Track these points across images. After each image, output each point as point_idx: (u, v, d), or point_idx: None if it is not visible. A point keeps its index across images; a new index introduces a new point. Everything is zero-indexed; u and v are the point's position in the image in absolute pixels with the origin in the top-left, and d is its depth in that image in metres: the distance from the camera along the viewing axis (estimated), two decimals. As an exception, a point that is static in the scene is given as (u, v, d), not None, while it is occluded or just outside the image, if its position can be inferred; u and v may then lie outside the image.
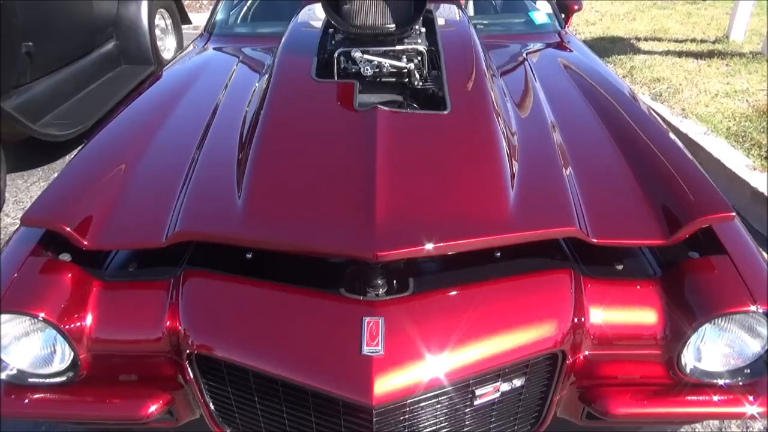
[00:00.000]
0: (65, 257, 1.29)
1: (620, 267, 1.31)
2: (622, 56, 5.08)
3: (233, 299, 1.23)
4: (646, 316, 1.24)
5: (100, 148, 1.62)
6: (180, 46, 5.35)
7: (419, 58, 1.70)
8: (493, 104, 1.57)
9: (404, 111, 1.47)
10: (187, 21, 5.51)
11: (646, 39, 5.53)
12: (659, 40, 5.47)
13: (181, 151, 1.53)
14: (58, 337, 1.21)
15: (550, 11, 2.76)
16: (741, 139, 3.45)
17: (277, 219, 1.21)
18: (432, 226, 1.16)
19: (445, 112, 1.46)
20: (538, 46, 2.50)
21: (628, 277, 1.28)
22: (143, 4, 4.72)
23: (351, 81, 1.59)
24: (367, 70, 1.65)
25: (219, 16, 2.77)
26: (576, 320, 1.21)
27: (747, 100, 3.99)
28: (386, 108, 1.45)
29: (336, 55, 1.66)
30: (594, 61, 2.37)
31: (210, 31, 2.70)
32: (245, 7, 2.94)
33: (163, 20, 5.23)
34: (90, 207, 1.33)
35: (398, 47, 1.67)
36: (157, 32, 5.12)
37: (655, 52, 5.09)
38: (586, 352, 1.23)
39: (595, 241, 1.24)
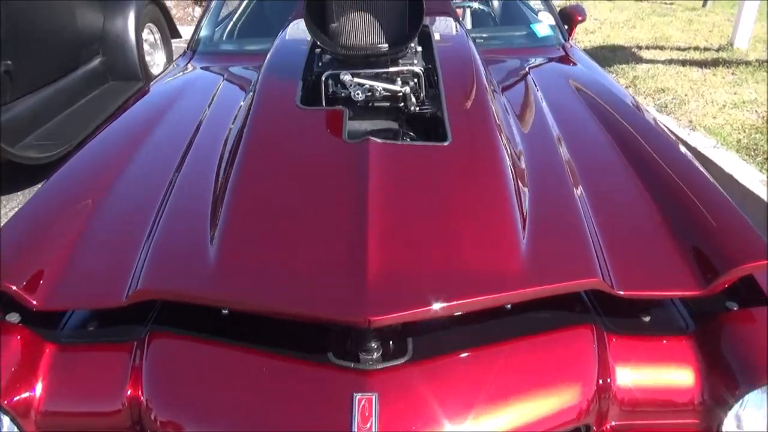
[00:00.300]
0: (13, 318, 1.13)
1: (647, 319, 1.15)
2: (624, 66, 4.94)
3: (206, 366, 1.06)
4: (680, 377, 1.08)
5: (61, 186, 1.45)
6: (170, 60, 5.20)
7: (415, 80, 1.54)
8: (498, 131, 1.41)
9: (399, 143, 1.31)
10: (177, 35, 5.37)
11: (647, 47, 5.40)
12: (661, 48, 5.34)
13: (150, 189, 1.37)
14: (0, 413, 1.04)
15: (553, 23, 2.61)
16: (753, 153, 3.30)
17: (253, 275, 1.05)
18: (433, 283, 1.00)
19: (445, 144, 1.30)
20: (542, 60, 2.35)
21: (657, 332, 1.12)
22: (130, 19, 4.57)
23: (339, 108, 1.43)
24: (358, 94, 1.49)
25: (203, 33, 2.62)
26: (601, 382, 1.05)
27: (756, 111, 3.84)
28: (378, 140, 1.29)
29: (323, 78, 1.50)
30: (602, 76, 2.21)
31: (194, 49, 2.55)
32: (231, 22, 2.79)
33: (152, 35, 5.09)
34: (43, 259, 1.17)
35: (392, 69, 1.52)
36: (146, 47, 4.98)
37: (657, 61, 4.96)
38: (613, 423, 1.07)
39: (621, 293, 1.08)
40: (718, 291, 1.10)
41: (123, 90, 4.54)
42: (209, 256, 1.09)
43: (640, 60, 5.06)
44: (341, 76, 1.48)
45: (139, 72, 4.64)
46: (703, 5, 7.00)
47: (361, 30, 1.46)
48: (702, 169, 1.46)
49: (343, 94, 1.51)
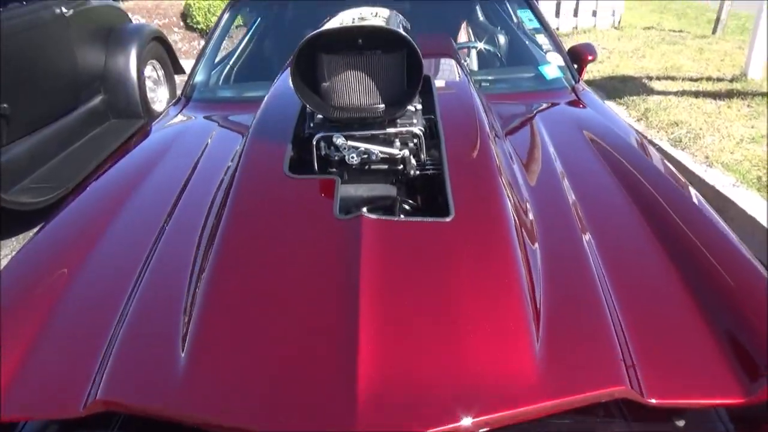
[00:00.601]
0: None
1: (681, 423, 1.00)
2: (634, 97, 4.82)
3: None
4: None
5: (26, 266, 1.33)
6: (173, 96, 5.15)
7: (415, 140, 1.42)
8: (507, 201, 1.27)
9: (395, 219, 1.18)
10: (181, 71, 5.32)
11: (658, 78, 5.28)
12: (672, 78, 5.22)
13: (122, 271, 1.24)
14: None
15: (562, 63, 2.49)
16: (775, 192, 3.15)
17: (228, 389, 0.91)
18: (435, 398, 0.86)
19: (448, 219, 1.16)
20: (551, 105, 2.23)
21: None
22: (132, 57, 4.53)
23: (331, 178, 1.30)
24: (352, 158, 1.36)
25: (198, 78, 2.53)
26: None
27: (776, 146, 3.70)
28: (372, 216, 1.16)
29: (315, 140, 1.38)
30: (617, 124, 2.08)
31: (188, 96, 2.45)
32: (228, 66, 2.70)
33: (155, 71, 5.04)
34: (-5, 359, 1.04)
35: (390, 130, 1.39)
36: (149, 83, 4.94)
37: (669, 93, 4.83)
38: None
39: (652, 402, 0.93)
40: (765, 399, 0.95)
41: (124, 128, 4.48)
42: (179, 363, 0.96)
43: (651, 91, 4.94)
44: (334, 139, 1.35)
45: (141, 110, 4.58)
46: (713, 33, 6.89)
47: (356, 89, 1.34)
48: (736, 239, 1.30)
49: (336, 157, 1.39)
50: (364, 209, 1.36)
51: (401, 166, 1.42)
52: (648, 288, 1.18)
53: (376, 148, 1.37)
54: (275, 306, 1.03)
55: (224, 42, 2.82)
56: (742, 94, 4.53)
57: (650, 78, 5.29)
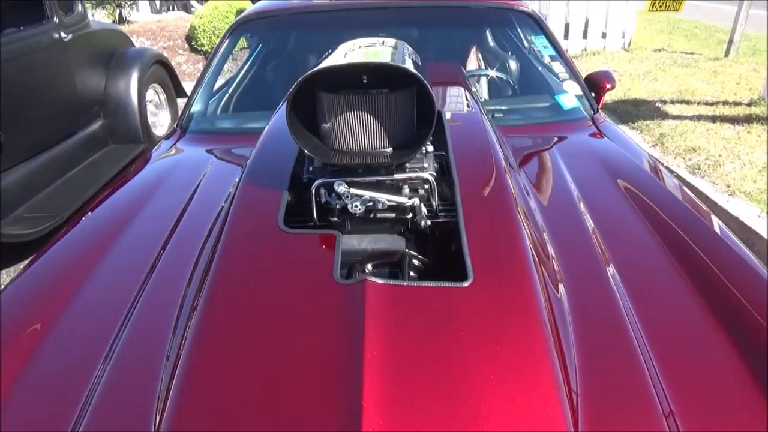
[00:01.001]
0: None
1: None
2: (648, 122, 4.68)
3: None
4: None
5: (3, 311, 1.19)
6: (175, 119, 5.06)
7: (426, 186, 1.27)
8: (531, 253, 1.12)
9: (404, 284, 1.02)
10: (183, 94, 5.23)
11: (672, 102, 5.14)
12: (687, 102, 5.08)
13: (101, 327, 1.13)
14: None
15: (580, 92, 2.35)
16: (805, 226, 2.97)
17: None
18: None
19: (466, 284, 1.01)
20: (570, 138, 2.08)
21: None
22: (133, 81, 4.44)
23: (331, 233, 1.15)
24: (356, 206, 1.22)
25: (195, 108, 2.40)
26: None
27: (801, 175, 3.53)
28: (378, 280, 1.00)
29: (314, 187, 1.23)
30: (642, 158, 1.93)
31: (183, 127, 2.32)
32: (227, 95, 2.57)
33: (156, 95, 4.95)
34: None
35: (398, 176, 1.25)
36: (151, 107, 4.85)
37: (684, 117, 4.69)
38: None
39: None
40: None
41: (124, 153, 4.38)
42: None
43: (665, 115, 4.80)
44: (336, 186, 1.21)
45: (141, 134, 4.48)
46: (726, 55, 6.76)
47: (360, 131, 1.20)
48: (764, 272, 1.22)
49: (338, 206, 1.24)
50: (369, 266, 1.21)
51: (410, 215, 1.27)
52: (680, 331, 1.11)
53: (382, 196, 1.22)
54: (266, 382, 0.87)
55: (226, 68, 2.70)
56: (761, 119, 4.38)
57: (664, 102, 5.15)
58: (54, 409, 0.98)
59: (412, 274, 1.19)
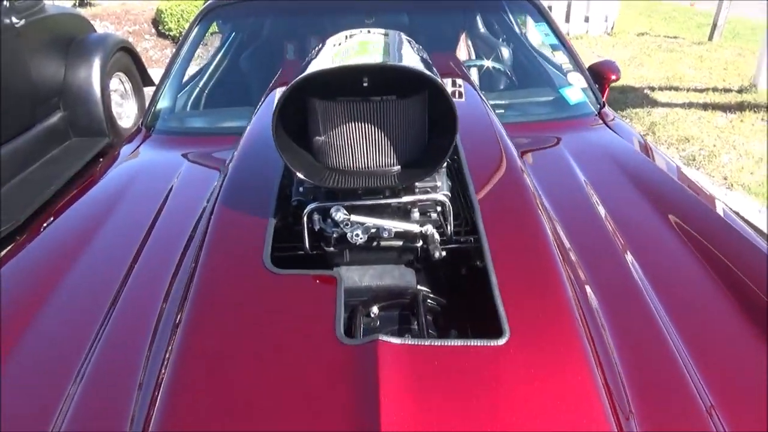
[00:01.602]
0: None
1: None
2: (638, 110, 4.54)
3: None
4: None
5: None
6: (141, 111, 4.74)
7: (439, 208, 1.06)
8: (569, 288, 0.93)
9: (427, 343, 0.82)
10: (150, 83, 4.90)
11: (661, 88, 5.01)
12: (676, 89, 4.95)
13: (60, 358, 0.98)
14: None
15: (585, 85, 2.16)
16: (809, 221, 2.86)
17: None
18: None
19: (502, 342, 0.81)
20: (579, 136, 1.89)
21: None
22: (95, 69, 4.12)
23: (330, 275, 0.94)
24: (356, 236, 1.01)
25: (162, 104, 2.14)
26: None
27: (799, 166, 3.43)
28: (395, 340, 0.80)
29: (306, 213, 1.02)
30: (657, 155, 1.78)
31: (148, 126, 2.06)
32: (198, 88, 2.32)
33: (121, 84, 4.63)
34: None
35: (406, 198, 1.04)
36: (116, 98, 4.53)
37: (675, 105, 4.56)
38: None
39: None
40: None
41: (87, 147, 4.07)
42: None
43: (654, 103, 4.66)
44: (332, 213, 0.99)
45: (105, 127, 4.16)
46: (710, 39, 6.66)
47: (361, 146, 0.98)
48: None
49: (335, 234, 1.03)
50: (374, 308, 1.01)
51: (420, 243, 1.07)
52: (717, 337, 1.04)
53: (388, 223, 1.01)
54: None
55: (196, 59, 2.44)
56: (754, 107, 4.27)
57: (652, 88, 5.02)
58: None
59: (428, 317, 0.99)
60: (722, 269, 1.19)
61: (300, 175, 0.95)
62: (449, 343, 0.81)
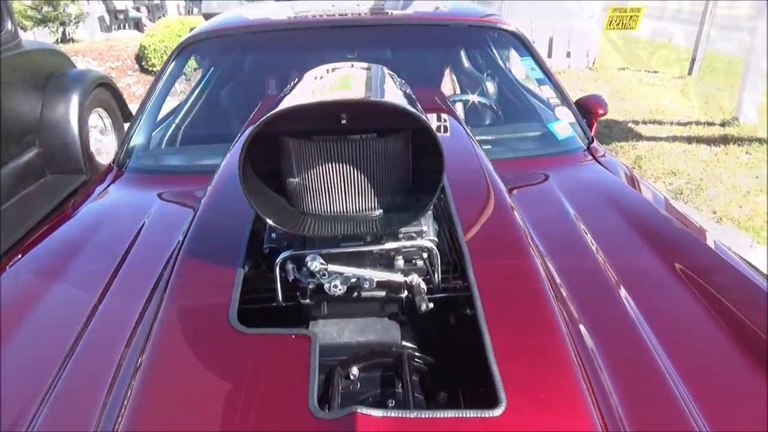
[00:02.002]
0: None
1: None
2: (623, 143, 4.53)
3: None
4: None
5: None
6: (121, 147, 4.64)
7: (425, 255, 0.97)
8: (576, 358, 0.84)
9: (412, 416, 0.72)
10: (131, 119, 4.82)
11: (644, 122, 5.02)
12: (659, 123, 4.98)
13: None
14: None
15: (573, 119, 2.11)
16: (801, 256, 2.81)
17: None
18: None
19: (498, 413, 0.71)
20: (569, 173, 1.83)
21: None
22: (72, 105, 4.03)
23: (303, 334, 0.84)
24: (335, 287, 0.91)
25: (135, 141, 2.05)
26: None
27: (787, 199, 3.40)
28: (375, 413, 0.70)
29: (278, 263, 0.92)
30: (650, 190, 1.73)
31: (121, 164, 1.97)
32: (174, 125, 2.23)
33: (100, 120, 4.54)
34: None
35: (389, 245, 0.95)
36: (95, 134, 4.43)
37: (659, 138, 4.57)
38: None
39: None
40: None
41: (63, 184, 3.95)
42: None
43: (639, 137, 4.67)
44: (307, 262, 0.90)
45: (82, 164, 4.06)
46: (689, 73, 6.77)
47: (339, 189, 0.90)
48: None
49: (311, 285, 0.93)
50: (354, 369, 0.90)
51: (405, 293, 0.97)
52: (719, 376, 0.98)
53: (369, 273, 0.92)
54: None
55: (173, 95, 2.37)
56: (737, 140, 4.28)
57: (636, 122, 5.03)
58: None
59: (414, 378, 0.89)
60: (721, 308, 1.14)
61: (270, 222, 0.86)
62: (438, 415, 0.71)
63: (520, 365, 0.78)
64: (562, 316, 0.93)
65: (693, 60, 6.71)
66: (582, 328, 1.01)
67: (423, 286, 0.96)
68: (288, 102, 0.85)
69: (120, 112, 4.76)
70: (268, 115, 0.80)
